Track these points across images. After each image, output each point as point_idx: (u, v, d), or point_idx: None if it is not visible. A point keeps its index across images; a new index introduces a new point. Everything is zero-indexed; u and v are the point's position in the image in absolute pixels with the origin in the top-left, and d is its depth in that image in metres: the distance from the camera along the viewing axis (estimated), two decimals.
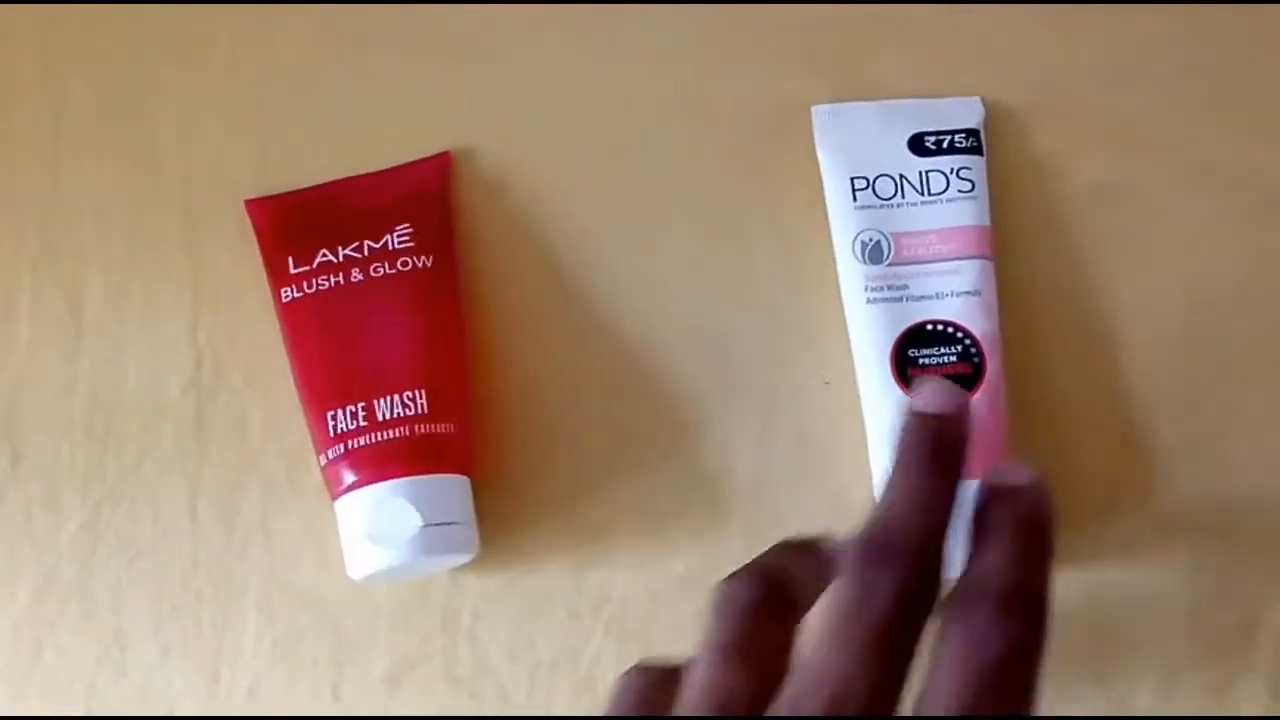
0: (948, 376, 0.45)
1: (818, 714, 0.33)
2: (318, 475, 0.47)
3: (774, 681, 0.35)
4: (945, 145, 0.47)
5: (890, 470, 0.37)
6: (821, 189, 0.48)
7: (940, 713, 0.34)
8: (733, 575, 0.38)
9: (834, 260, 0.48)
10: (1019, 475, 0.38)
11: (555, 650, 0.47)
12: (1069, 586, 0.45)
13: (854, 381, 0.47)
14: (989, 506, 0.37)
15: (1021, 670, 0.35)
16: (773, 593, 0.37)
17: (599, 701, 0.46)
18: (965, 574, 0.36)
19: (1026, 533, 0.37)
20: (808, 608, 0.37)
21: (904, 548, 0.35)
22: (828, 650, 0.34)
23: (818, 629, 0.35)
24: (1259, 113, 0.51)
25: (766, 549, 0.40)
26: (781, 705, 0.34)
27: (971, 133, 0.48)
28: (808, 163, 0.49)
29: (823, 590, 0.37)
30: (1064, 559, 0.45)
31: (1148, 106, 0.50)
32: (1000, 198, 0.49)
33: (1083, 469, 0.47)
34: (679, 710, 0.36)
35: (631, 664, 0.46)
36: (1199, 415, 0.48)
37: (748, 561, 0.38)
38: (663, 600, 0.47)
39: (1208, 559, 0.46)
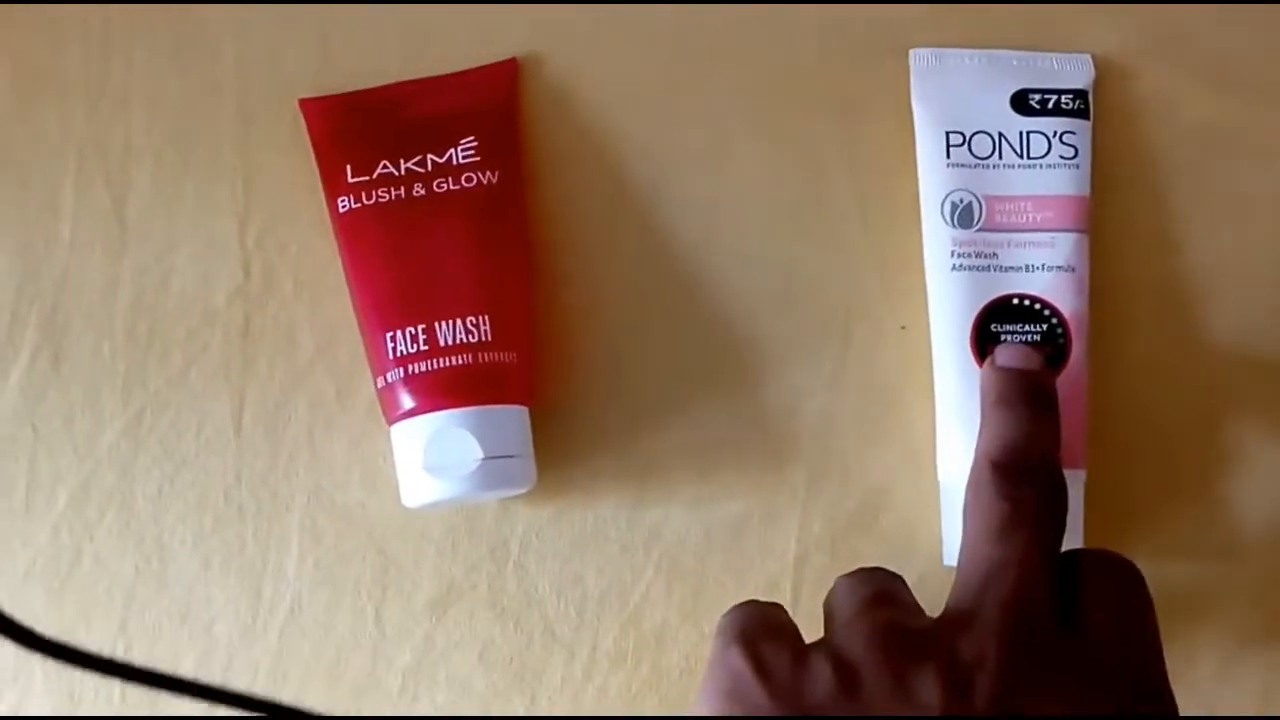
0: None
1: (1008, 599, 0.37)
2: (368, 393, 0.47)
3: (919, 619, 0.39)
4: (1051, 105, 0.46)
5: (991, 410, 0.41)
6: (912, 135, 0.46)
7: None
8: (850, 575, 0.41)
9: (918, 212, 0.46)
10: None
11: (604, 585, 0.47)
12: (1138, 562, 0.45)
13: (928, 334, 0.46)
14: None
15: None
16: (893, 586, 0.40)
17: (646, 640, 0.46)
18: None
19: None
20: None
21: (1038, 466, 0.39)
22: (997, 552, 0.38)
23: (972, 541, 0.39)
24: None
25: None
26: (973, 600, 0.37)
27: (1079, 94, 0.46)
28: (898, 103, 0.48)
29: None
30: (1135, 535, 0.45)
31: (1255, 45, 0.48)
32: (1099, 150, 0.47)
33: (1162, 447, 0.47)
34: (836, 634, 0.38)
35: (682, 610, 0.46)
36: None
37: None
38: (717, 541, 0.47)
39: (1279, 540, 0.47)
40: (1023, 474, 0.39)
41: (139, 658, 0.46)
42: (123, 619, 0.46)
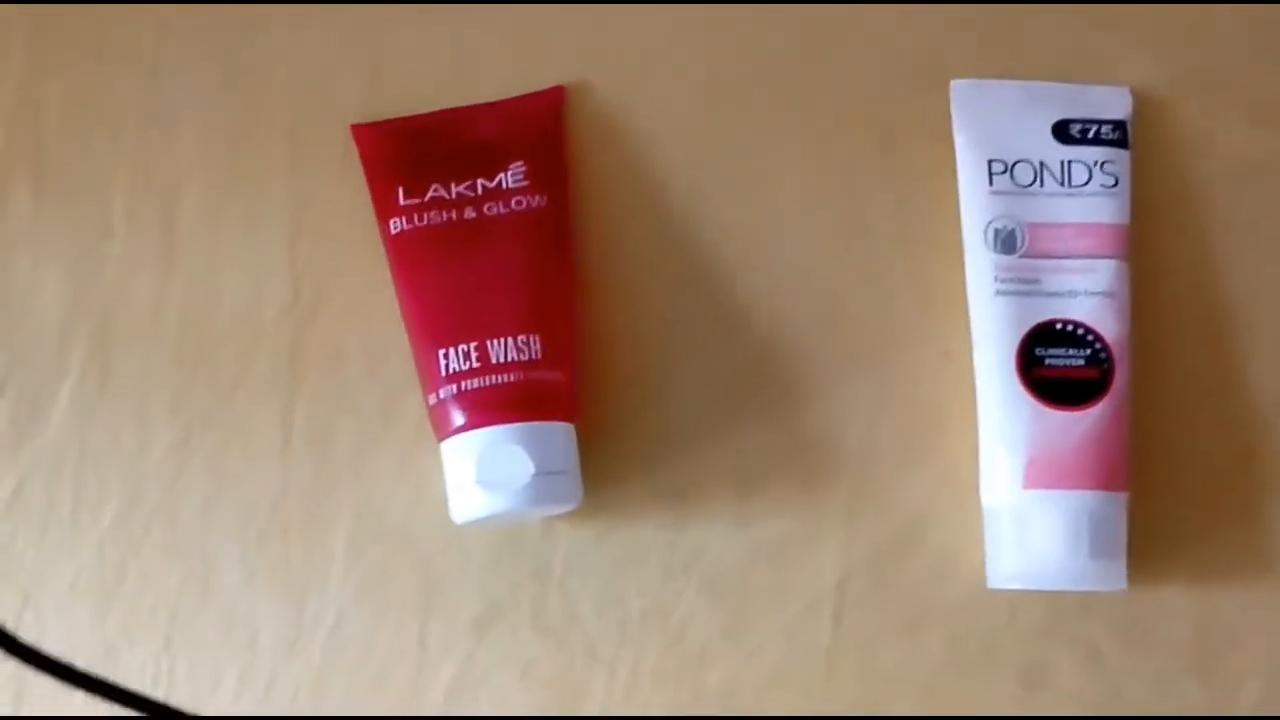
0: (1073, 381, 0.45)
1: None
2: (415, 411, 0.48)
3: None
4: (1091, 135, 0.47)
5: None
6: (953, 164, 0.48)
7: None
8: None
9: (959, 239, 0.46)
10: None
11: (646, 606, 0.47)
12: (1179, 587, 0.47)
13: (971, 358, 0.47)
14: None
15: None
16: None
17: (688, 660, 0.46)
18: None
19: None
20: None
21: None
22: None
23: None
24: None
25: None
26: None
27: (1119, 124, 0.47)
28: (938, 132, 0.49)
29: None
30: (1178, 562, 0.46)
31: None
32: (1138, 180, 0.48)
33: (1202, 472, 0.47)
34: None
35: (724, 631, 0.46)
36: None
37: None
38: (759, 562, 0.48)
39: None
40: None
41: (181, 673, 0.47)
42: (166, 634, 0.47)
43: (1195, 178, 0.48)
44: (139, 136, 0.49)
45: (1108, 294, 0.45)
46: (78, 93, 0.49)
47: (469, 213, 0.46)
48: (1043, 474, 0.44)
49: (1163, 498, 0.47)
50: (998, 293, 0.45)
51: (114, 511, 0.47)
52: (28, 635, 0.46)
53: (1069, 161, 0.46)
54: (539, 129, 0.48)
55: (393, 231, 0.47)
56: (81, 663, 0.46)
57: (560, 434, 0.45)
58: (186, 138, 0.49)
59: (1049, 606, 0.47)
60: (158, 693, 0.46)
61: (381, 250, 0.47)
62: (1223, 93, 0.49)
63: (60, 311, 0.48)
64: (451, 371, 0.45)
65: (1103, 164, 0.46)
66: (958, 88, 0.48)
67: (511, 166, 0.47)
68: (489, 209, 0.47)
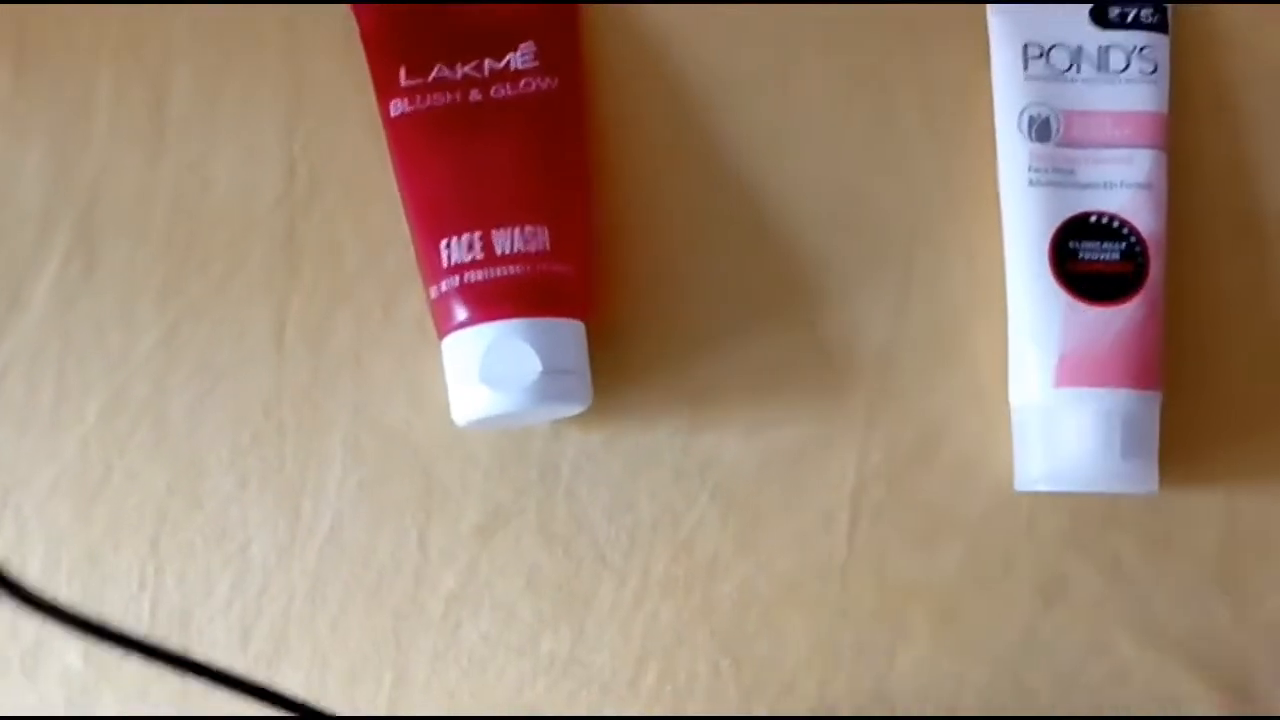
0: (1107, 275, 0.43)
1: None
2: (416, 308, 0.46)
3: None
4: (1130, 19, 0.45)
5: None
6: (984, 51, 0.46)
7: None
8: None
9: (989, 130, 0.45)
10: None
11: (656, 512, 0.46)
12: (1207, 494, 0.45)
13: (1001, 259, 0.45)
14: None
15: None
16: None
17: (698, 568, 0.45)
18: None
19: None
20: None
21: None
22: None
23: None
24: None
25: None
26: None
27: (1159, 8, 0.45)
28: (970, 18, 0.47)
29: None
30: (1206, 468, 0.44)
31: None
32: (1177, 74, 0.46)
33: (1236, 374, 0.46)
34: None
35: (736, 539, 0.44)
36: None
37: None
38: (773, 469, 0.46)
39: None
40: None
41: (170, 579, 0.45)
42: (153, 538, 0.45)
43: (1235, 76, 0.46)
44: (127, 14, 0.46)
45: (1145, 185, 0.44)
46: None
47: (475, 95, 0.44)
48: (1075, 371, 0.43)
49: (1195, 400, 0.45)
50: (1031, 183, 0.44)
51: (98, 408, 0.45)
52: (7, 536, 0.44)
53: (1107, 47, 0.44)
54: (551, 9, 0.46)
55: (393, 114, 0.45)
56: (65, 567, 0.44)
57: (569, 331, 0.43)
58: (178, 14, 0.46)
59: (1072, 515, 0.45)
60: (144, 599, 0.44)
61: (382, 136, 0.45)
62: None
63: (41, 196, 0.46)
64: (454, 263, 0.43)
65: (1142, 49, 0.44)
66: None
67: (521, 47, 0.45)
68: (496, 91, 0.44)
